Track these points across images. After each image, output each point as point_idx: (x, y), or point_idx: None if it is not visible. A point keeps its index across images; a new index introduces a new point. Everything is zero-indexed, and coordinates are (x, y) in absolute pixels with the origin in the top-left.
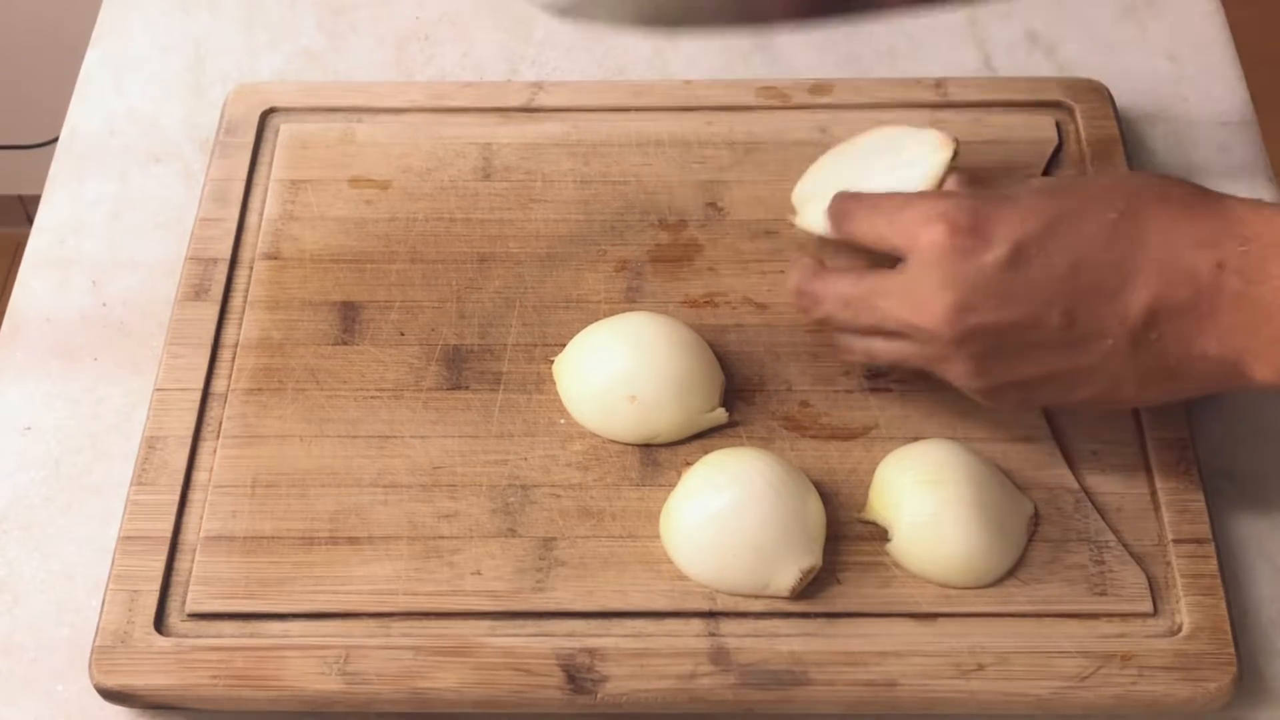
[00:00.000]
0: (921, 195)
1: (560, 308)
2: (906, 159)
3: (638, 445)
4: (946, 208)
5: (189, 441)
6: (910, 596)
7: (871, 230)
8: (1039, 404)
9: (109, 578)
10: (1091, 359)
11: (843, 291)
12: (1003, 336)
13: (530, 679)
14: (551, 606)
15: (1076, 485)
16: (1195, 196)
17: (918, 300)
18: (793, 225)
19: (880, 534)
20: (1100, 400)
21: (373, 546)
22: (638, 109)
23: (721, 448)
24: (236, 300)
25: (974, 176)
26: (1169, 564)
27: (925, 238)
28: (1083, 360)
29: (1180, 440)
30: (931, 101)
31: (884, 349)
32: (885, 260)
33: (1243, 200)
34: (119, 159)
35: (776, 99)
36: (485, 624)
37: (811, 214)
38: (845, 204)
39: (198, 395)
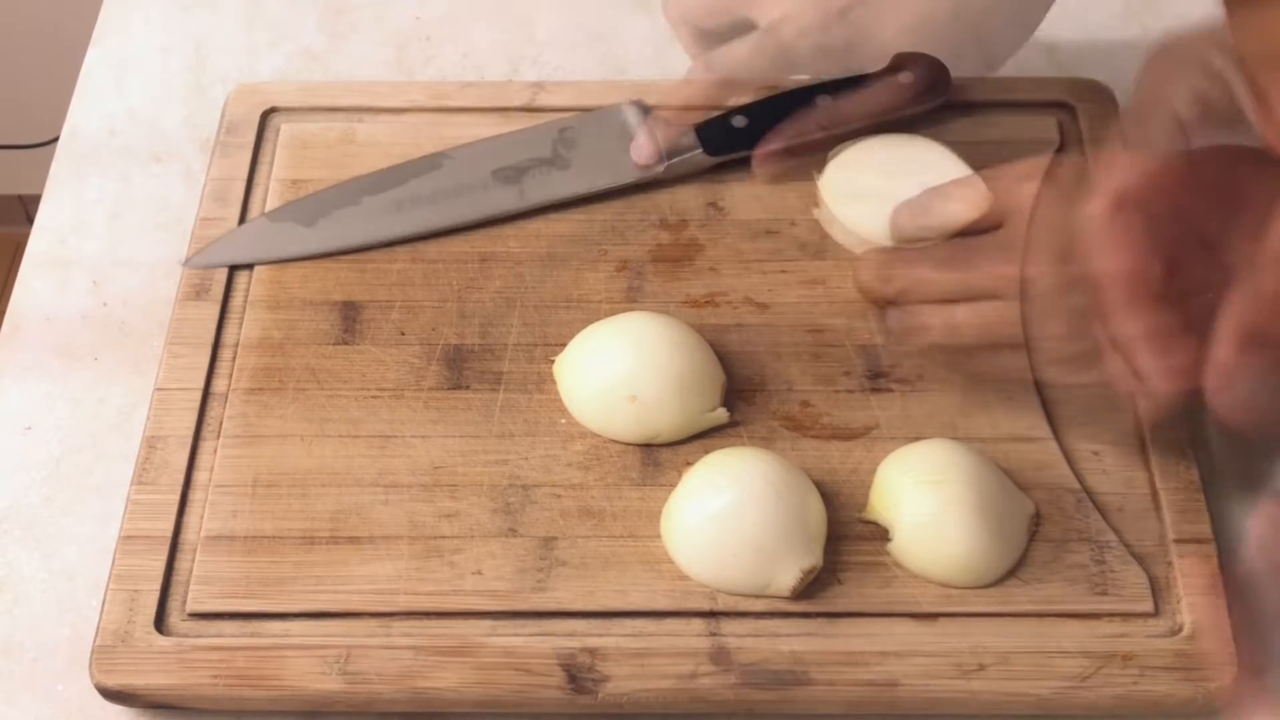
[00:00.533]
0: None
1: (561, 307)
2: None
3: (638, 445)
4: (1045, 164)
5: (190, 441)
6: (911, 596)
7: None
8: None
9: (109, 577)
10: (1186, 315)
11: (934, 253)
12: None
13: (531, 679)
14: (552, 606)
15: (1077, 485)
16: None
17: (1021, 251)
18: (816, 214)
19: (881, 534)
20: None
21: (373, 546)
22: None
23: (722, 448)
24: (237, 300)
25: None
26: (1170, 564)
27: (1025, 190)
28: (1176, 317)
29: (1181, 440)
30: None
31: (969, 317)
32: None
33: None
34: (119, 159)
35: None
36: (486, 624)
37: (853, 216)
38: (925, 199)
39: (198, 395)
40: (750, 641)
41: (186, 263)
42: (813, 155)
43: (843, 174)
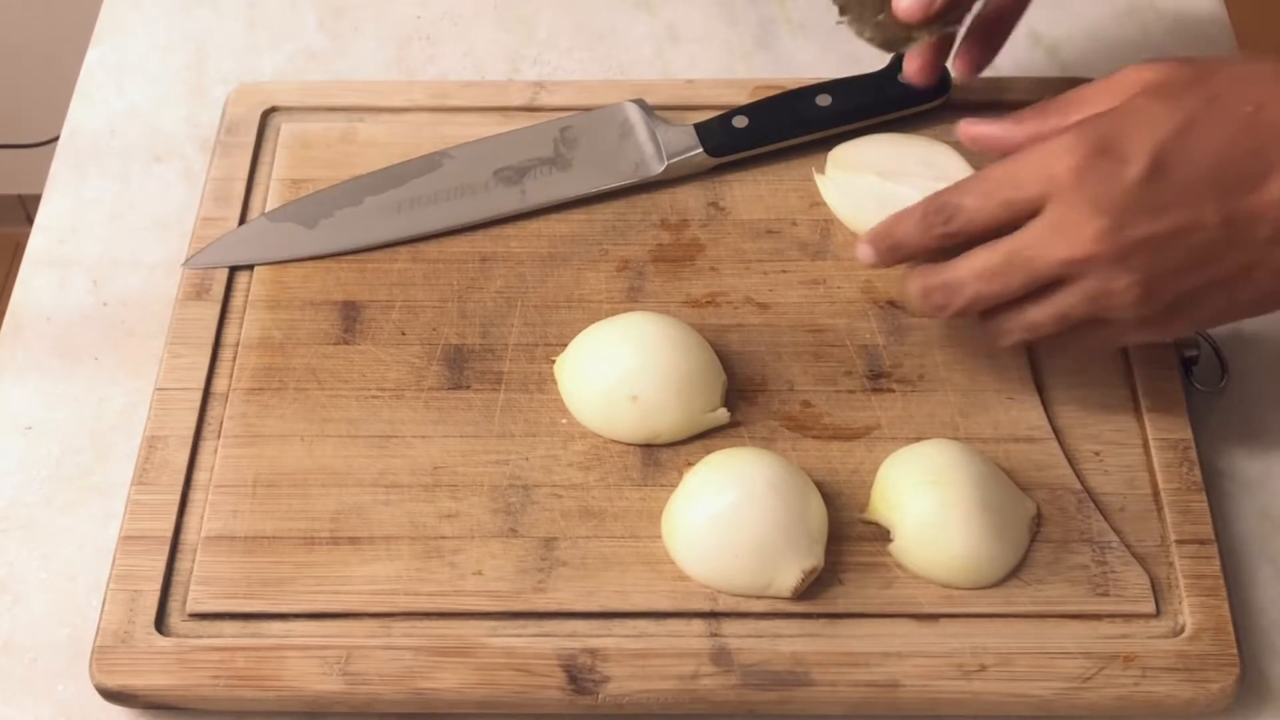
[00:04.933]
0: (1033, 142)
1: (562, 307)
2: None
3: (639, 445)
4: (1070, 140)
5: (190, 441)
6: (912, 597)
7: (992, 200)
8: (1207, 322)
9: (110, 577)
10: (1251, 254)
11: (980, 265)
12: (1163, 248)
13: (531, 679)
14: (553, 607)
15: (1079, 485)
16: None
17: (1069, 234)
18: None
19: (882, 534)
20: (1265, 301)
21: (374, 546)
22: None
23: (723, 448)
24: (237, 300)
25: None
26: (1172, 565)
27: (1060, 171)
28: (1244, 256)
29: (1183, 441)
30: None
31: (1043, 312)
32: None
33: None
34: (120, 158)
35: None
36: (486, 624)
37: (853, 215)
38: (944, 200)
39: (199, 395)
40: (751, 642)
41: (187, 263)
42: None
43: (842, 172)
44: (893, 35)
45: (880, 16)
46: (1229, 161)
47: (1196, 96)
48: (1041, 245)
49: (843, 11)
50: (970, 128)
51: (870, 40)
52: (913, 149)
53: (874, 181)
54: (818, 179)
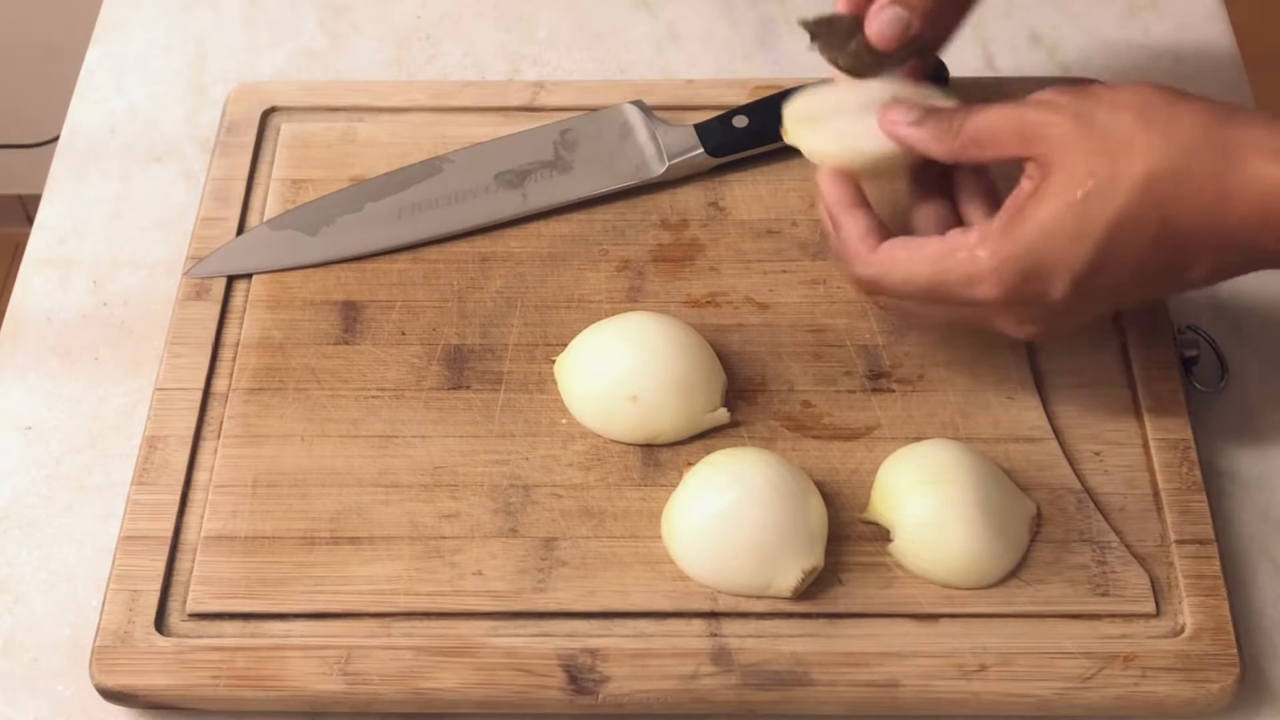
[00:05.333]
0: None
1: (562, 307)
2: None
3: (639, 445)
4: (996, 276)
5: (190, 441)
6: (912, 597)
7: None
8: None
9: (109, 577)
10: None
11: (905, 277)
12: (1084, 317)
13: (532, 679)
14: (553, 607)
15: (1079, 485)
16: (1217, 165)
17: (990, 311)
18: (787, 140)
19: (882, 534)
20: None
21: (374, 546)
22: None
23: (723, 448)
24: (237, 300)
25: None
26: (1172, 565)
27: (988, 297)
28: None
29: (1183, 441)
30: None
31: (935, 318)
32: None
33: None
34: (119, 158)
35: None
36: (487, 624)
37: (813, 138)
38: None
39: (199, 395)
40: (751, 642)
41: (188, 273)
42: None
43: (807, 100)
44: (864, 63)
45: (851, 44)
46: (1142, 273)
47: (1104, 218)
48: (963, 299)
49: (814, 38)
50: (895, 126)
51: (843, 68)
52: (884, 88)
53: (836, 109)
54: (788, 139)
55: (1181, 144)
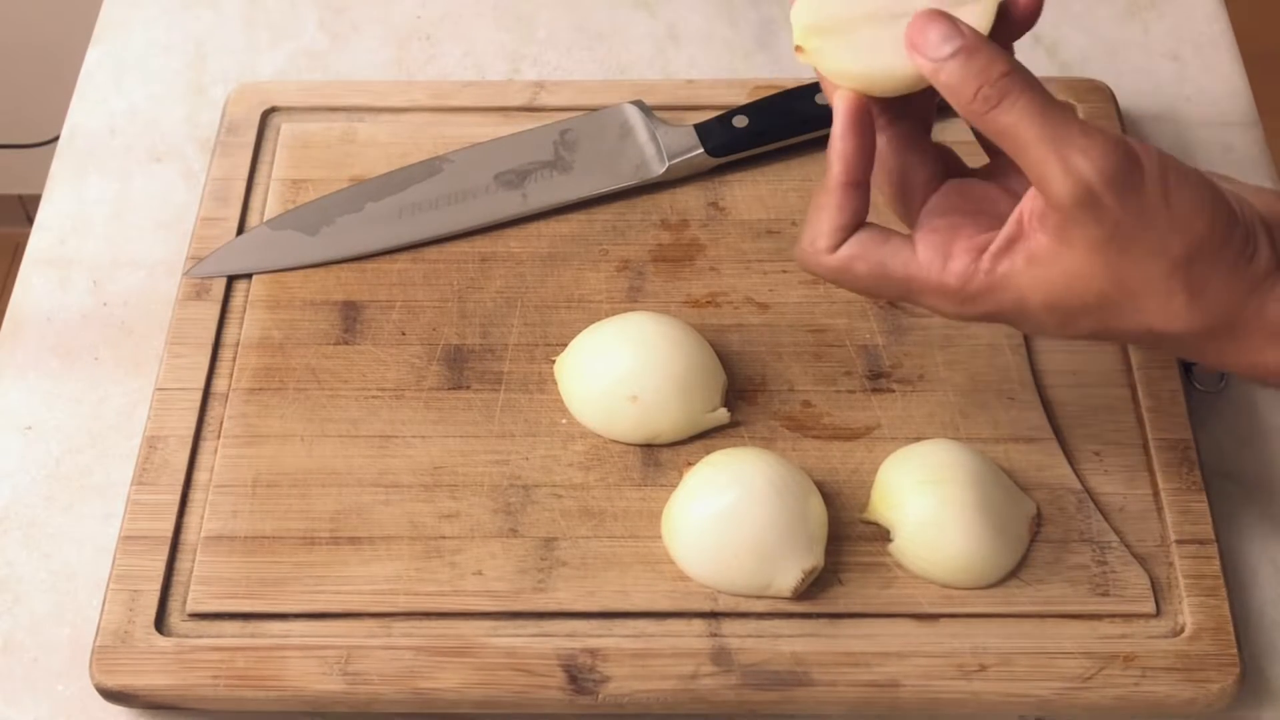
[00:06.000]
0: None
1: (562, 307)
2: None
3: (639, 445)
4: (960, 314)
5: (190, 441)
6: (912, 597)
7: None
8: None
9: (109, 577)
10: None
11: (870, 284)
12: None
13: (531, 679)
14: (553, 607)
15: (1079, 485)
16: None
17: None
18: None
19: (882, 534)
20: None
21: (374, 546)
22: None
23: (723, 448)
24: (237, 300)
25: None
26: (1172, 565)
27: (955, 316)
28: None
29: (1183, 441)
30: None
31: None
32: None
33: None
34: (119, 158)
35: None
36: (486, 624)
37: (826, 50)
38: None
39: (199, 395)
40: (751, 642)
41: (188, 273)
42: None
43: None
44: None
45: None
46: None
47: (1088, 329)
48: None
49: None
50: (921, 49)
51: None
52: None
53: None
54: (797, 52)
55: (1203, 314)
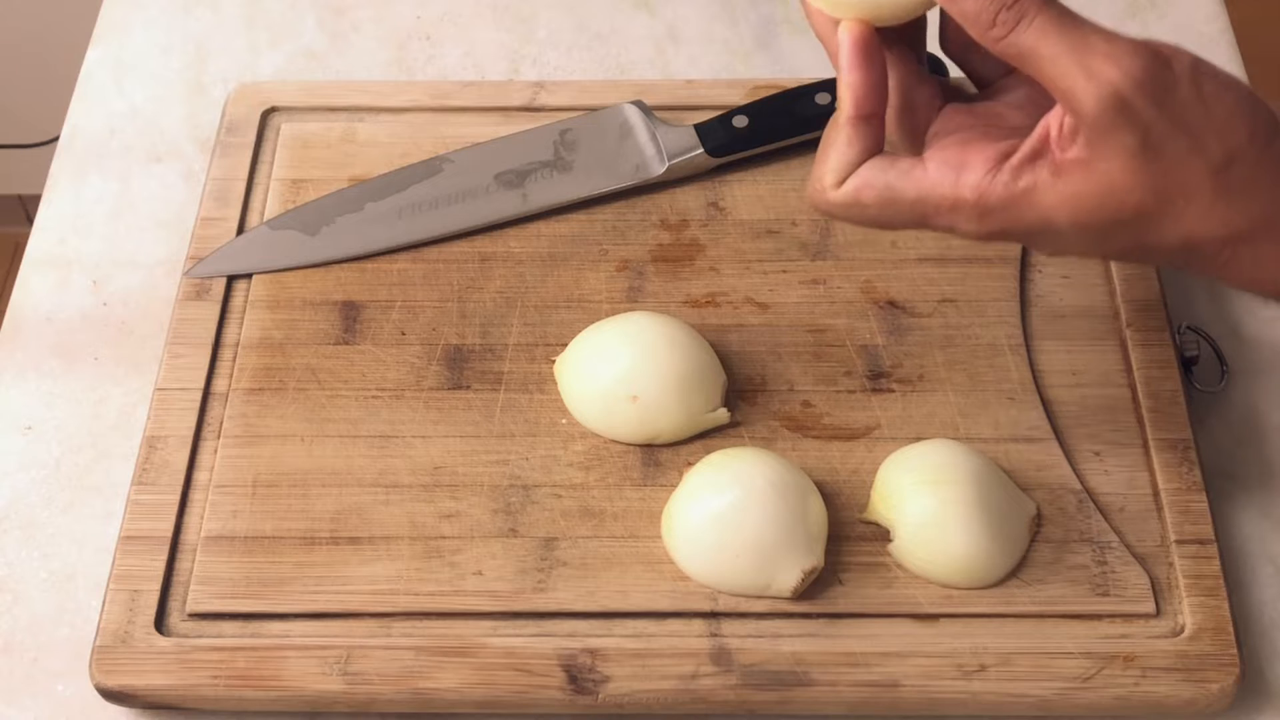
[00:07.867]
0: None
1: (562, 307)
2: None
3: (639, 445)
4: (978, 233)
5: (190, 441)
6: (912, 597)
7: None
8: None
9: (109, 577)
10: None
11: (880, 212)
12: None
13: (531, 679)
14: (553, 607)
15: (1079, 486)
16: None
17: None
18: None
19: (882, 534)
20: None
21: (374, 546)
22: None
23: (723, 448)
24: (237, 300)
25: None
26: (1172, 565)
27: (967, 233)
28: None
29: (1183, 441)
30: None
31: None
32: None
33: None
34: (119, 158)
35: None
36: (486, 624)
37: None
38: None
39: (199, 395)
40: (751, 642)
41: (188, 273)
42: None
43: None
44: None
45: None
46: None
47: (1119, 247)
48: (958, 222)
49: None
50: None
51: None
52: None
53: None
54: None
55: (1244, 216)
